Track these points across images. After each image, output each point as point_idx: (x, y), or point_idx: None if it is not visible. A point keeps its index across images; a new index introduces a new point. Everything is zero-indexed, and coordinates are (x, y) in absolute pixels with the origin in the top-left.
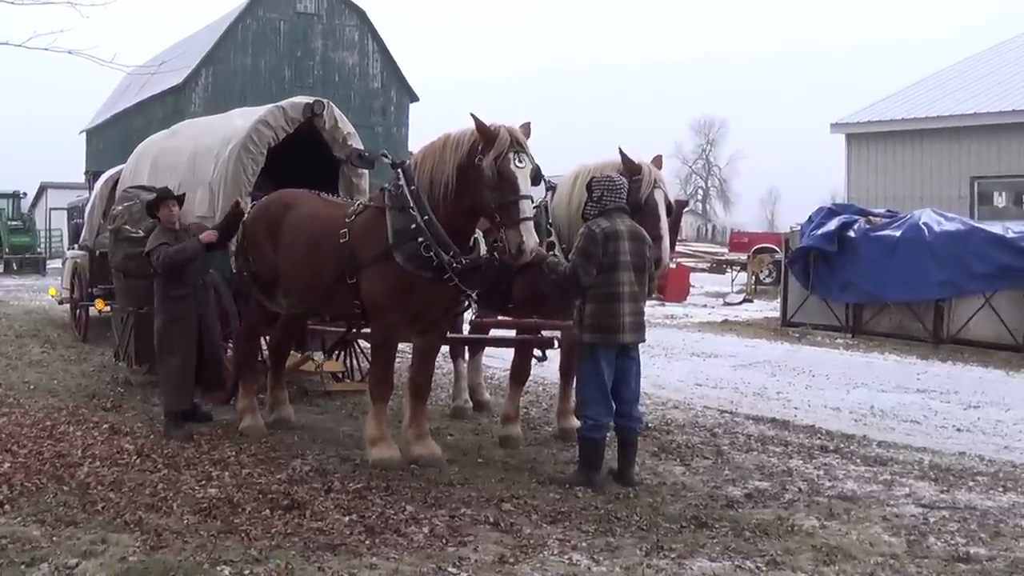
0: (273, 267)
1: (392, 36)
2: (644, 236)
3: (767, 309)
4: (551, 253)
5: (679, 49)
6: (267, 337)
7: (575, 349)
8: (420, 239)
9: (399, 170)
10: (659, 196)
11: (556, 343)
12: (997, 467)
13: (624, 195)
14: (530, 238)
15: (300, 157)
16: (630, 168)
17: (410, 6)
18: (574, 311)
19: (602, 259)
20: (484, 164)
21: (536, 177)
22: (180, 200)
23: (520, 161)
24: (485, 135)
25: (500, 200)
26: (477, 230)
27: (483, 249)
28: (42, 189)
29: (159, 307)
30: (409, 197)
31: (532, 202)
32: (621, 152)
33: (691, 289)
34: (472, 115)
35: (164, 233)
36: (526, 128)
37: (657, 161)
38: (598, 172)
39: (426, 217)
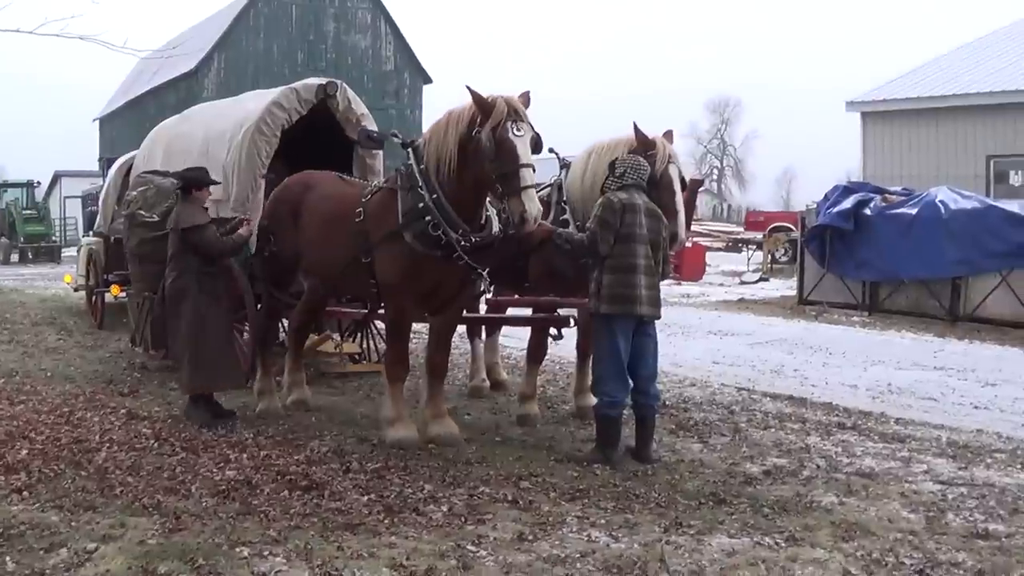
0: (294, 247)
1: (405, 18)
2: (659, 214)
3: (783, 288)
4: (567, 230)
5: (693, 28)
6: (285, 319)
7: (592, 325)
8: (428, 218)
9: (409, 150)
10: (673, 171)
11: (572, 321)
12: (1015, 444)
13: (645, 177)
14: (532, 206)
15: (314, 139)
16: (644, 143)
17: None
18: (591, 285)
19: (619, 229)
20: (482, 135)
21: (536, 145)
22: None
23: (518, 130)
24: (482, 106)
25: (500, 170)
26: (491, 207)
27: (496, 227)
28: (56, 178)
29: (193, 285)
30: (418, 176)
31: (533, 170)
32: (635, 127)
33: (707, 268)
34: (468, 87)
35: (198, 211)
36: (525, 97)
37: (668, 136)
38: (612, 149)
39: (435, 196)
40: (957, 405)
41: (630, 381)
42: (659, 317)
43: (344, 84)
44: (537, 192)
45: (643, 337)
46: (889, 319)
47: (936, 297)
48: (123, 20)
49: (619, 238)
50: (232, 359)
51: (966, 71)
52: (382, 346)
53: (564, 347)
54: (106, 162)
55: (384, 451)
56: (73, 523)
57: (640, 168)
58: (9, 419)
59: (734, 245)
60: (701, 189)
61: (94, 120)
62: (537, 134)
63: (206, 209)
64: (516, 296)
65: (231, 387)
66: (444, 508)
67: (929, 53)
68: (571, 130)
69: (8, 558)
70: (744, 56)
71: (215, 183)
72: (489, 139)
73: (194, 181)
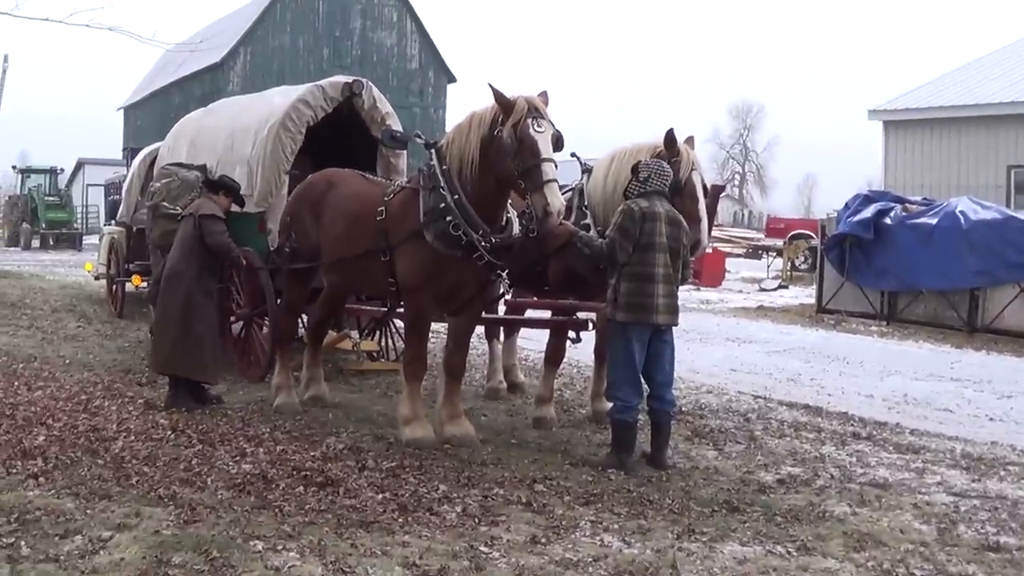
0: (315, 244)
1: (431, 16)
2: (681, 221)
3: (802, 295)
4: (587, 234)
5: (718, 33)
6: (305, 315)
7: (608, 329)
8: (449, 218)
9: (432, 150)
10: (696, 178)
11: (591, 325)
12: None
13: (668, 183)
14: (555, 200)
15: (338, 137)
16: (669, 149)
17: None
18: (609, 291)
19: (639, 238)
20: (504, 132)
21: (557, 143)
22: (239, 200)
23: (539, 126)
24: (503, 104)
25: (522, 166)
26: (512, 209)
27: (516, 229)
28: (79, 165)
29: (192, 271)
30: (440, 177)
31: (555, 166)
32: (671, 133)
33: (727, 274)
34: (490, 85)
35: (217, 209)
36: (544, 97)
37: (690, 142)
38: (634, 154)
39: (456, 196)
40: (972, 417)
41: (644, 387)
42: (676, 324)
43: (370, 83)
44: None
45: (660, 343)
46: (907, 329)
47: (954, 308)
48: (149, 10)
49: (638, 247)
50: (210, 353)
51: (988, 81)
52: (400, 345)
53: (582, 351)
54: (130, 152)
55: (400, 450)
56: (88, 511)
57: (664, 174)
58: (27, 404)
59: (754, 251)
60: (722, 195)
61: (118, 109)
62: (558, 131)
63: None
64: (535, 298)
65: (199, 379)
66: (458, 508)
67: (952, 62)
68: (594, 130)
69: (23, 543)
70: (768, 62)
71: (242, 202)
72: (511, 135)
73: (226, 188)
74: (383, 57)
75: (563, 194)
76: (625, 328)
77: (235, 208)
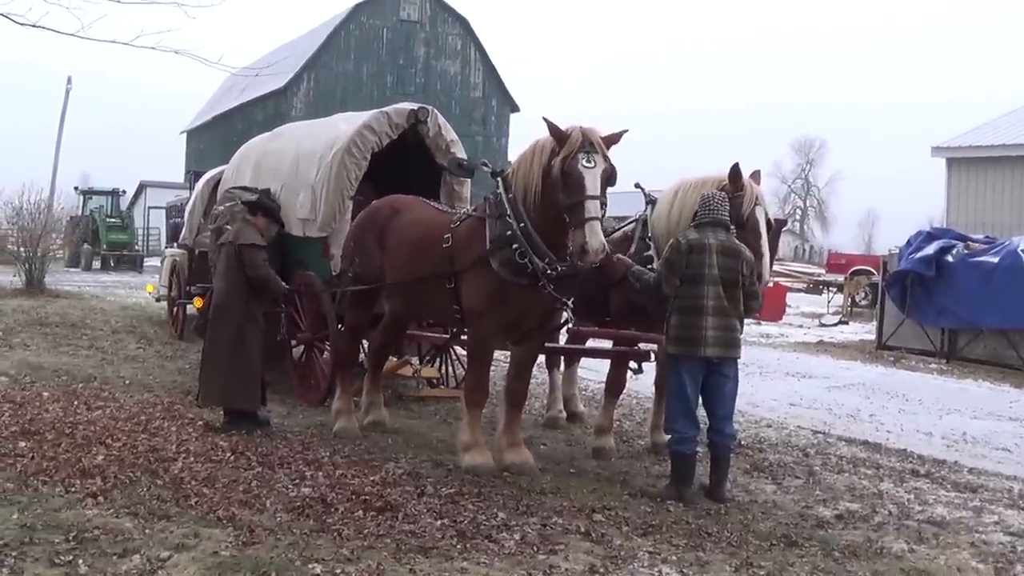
0: (379, 269)
1: (495, 46)
2: (739, 252)
3: (862, 332)
4: (648, 267)
5: (783, 68)
6: (366, 340)
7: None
8: (515, 246)
9: (499, 179)
10: (759, 213)
11: (652, 356)
12: None
13: (718, 210)
14: (594, 239)
15: (402, 163)
16: (733, 183)
17: (515, 17)
18: (665, 324)
19: (685, 270)
20: (554, 165)
21: (610, 178)
22: (278, 221)
23: (589, 161)
24: (557, 136)
25: (567, 201)
26: None
27: None
28: (141, 187)
29: (237, 304)
30: (507, 205)
31: (602, 204)
32: (735, 167)
33: (787, 309)
34: (544, 118)
35: (256, 234)
36: (616, 136)
37: (755, 176)
38: (699, 187)
39: (522, 224)
40: None
41: (700, 419)
42: (734, 357)
43: (435, 110)
44: (621, 227)
45: (719, 377)
46: (966, 368)
47: (1014, 347)
48: (215, 36)
49: (685, 279)
50: (255, 382)
51: None
52: (460, 372)
53: (642, 382)
54: (193, 175)
55: (459, 476)
56: (147, 530)
57: (710, 203)
58: (86, 424)
59: (815, 287)
60: (784, 229)
61: (181, 132)
62: (611, 167)
63: (261, 235)
64: (597, 328)
65: (245, 408)
66: (516, 536)
67: (1017, 100)
68: (657, 161)
69: (81, 561)
70: (831, 98)
71: (280, 224)
72: (558, 169)
73: (264, 208)
74: (446, 85)
75: (626, 225)
76: (676, 361)
77: (296, 232)
